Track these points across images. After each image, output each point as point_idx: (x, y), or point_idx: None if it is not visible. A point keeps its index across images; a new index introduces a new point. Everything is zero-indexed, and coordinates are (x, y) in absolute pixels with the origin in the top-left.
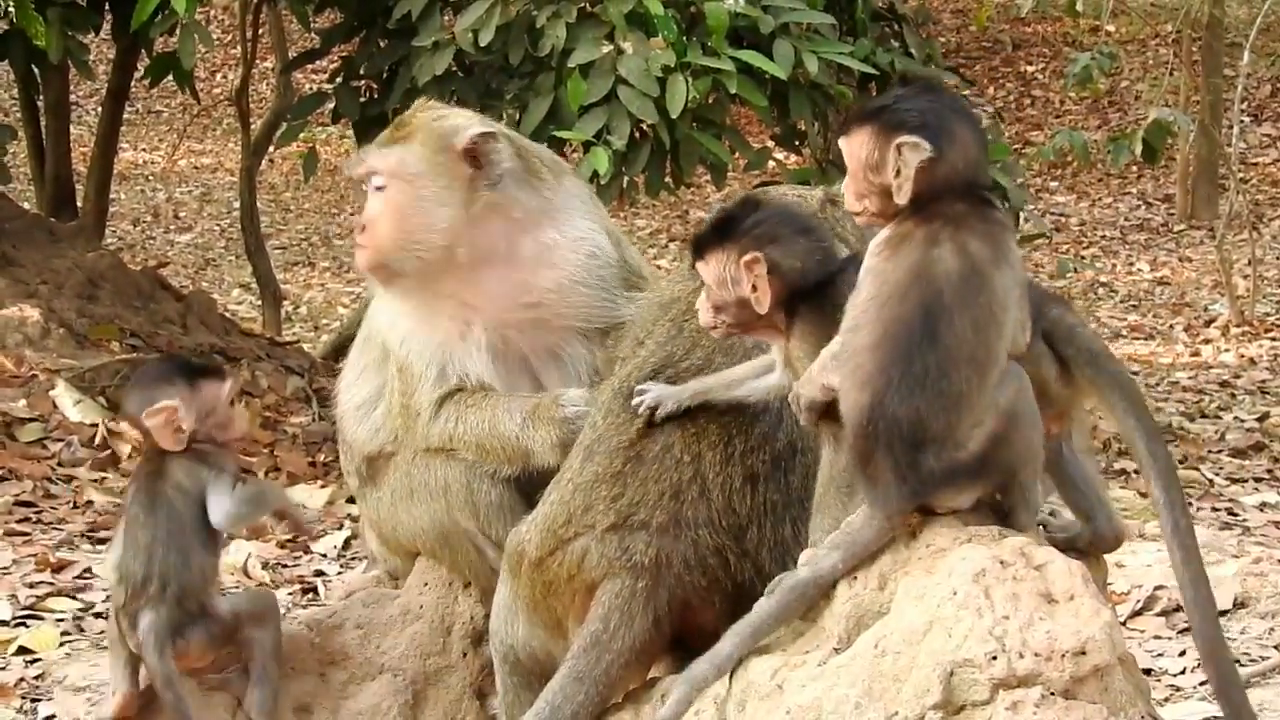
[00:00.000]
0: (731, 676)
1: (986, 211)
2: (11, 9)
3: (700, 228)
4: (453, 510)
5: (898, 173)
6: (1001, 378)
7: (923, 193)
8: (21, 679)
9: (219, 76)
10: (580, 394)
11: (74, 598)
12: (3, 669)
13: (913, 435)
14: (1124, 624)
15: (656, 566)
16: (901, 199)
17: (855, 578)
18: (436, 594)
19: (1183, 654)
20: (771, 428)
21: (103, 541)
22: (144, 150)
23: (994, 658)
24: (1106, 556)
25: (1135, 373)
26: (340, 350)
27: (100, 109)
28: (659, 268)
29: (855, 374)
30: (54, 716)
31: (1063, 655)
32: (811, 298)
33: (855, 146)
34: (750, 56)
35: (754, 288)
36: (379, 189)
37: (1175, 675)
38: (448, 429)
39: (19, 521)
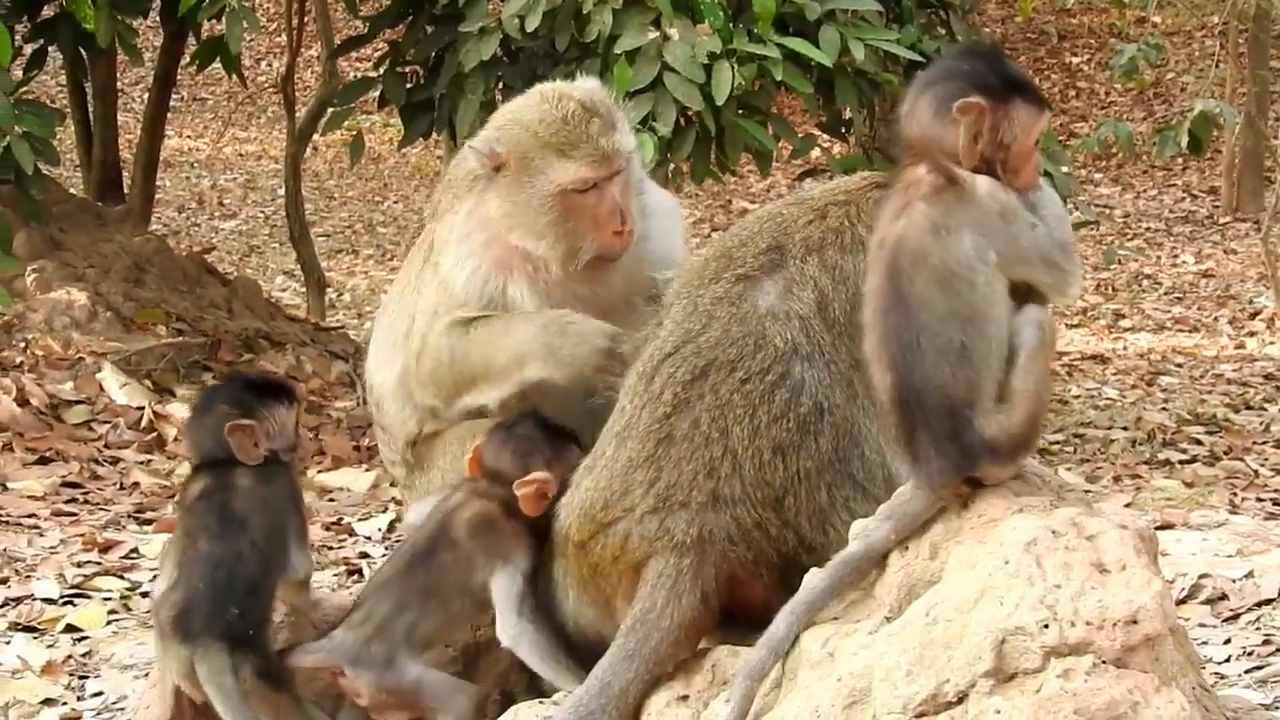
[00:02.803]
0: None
1: (944, 183)
2: None
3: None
4: None
5: None
6: (1029, 358)
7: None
8: (69, 656)
9: (263, 64)
10: (614, 332)
11: (121, 577)
12: (51, 646)
13: (942, 405)
14: None
15: (700, 544)
16: None
17: (907, 547)
18: None
19: (1227, 642)
20: (794, 391)
21: (148, 522)
22: (189, 137)
23: (1046, 626)
24: None
25: (1179, 365)
26: None
27: (146, 95)
28: None
29: (875, 360)
30: (101, 693)
31: (1114, 624)
32: None
33: None
34: (796, 43)
35: None
36: (617, 173)
37: (1220, 663)
38: (457, 349)
39: (66, 502)
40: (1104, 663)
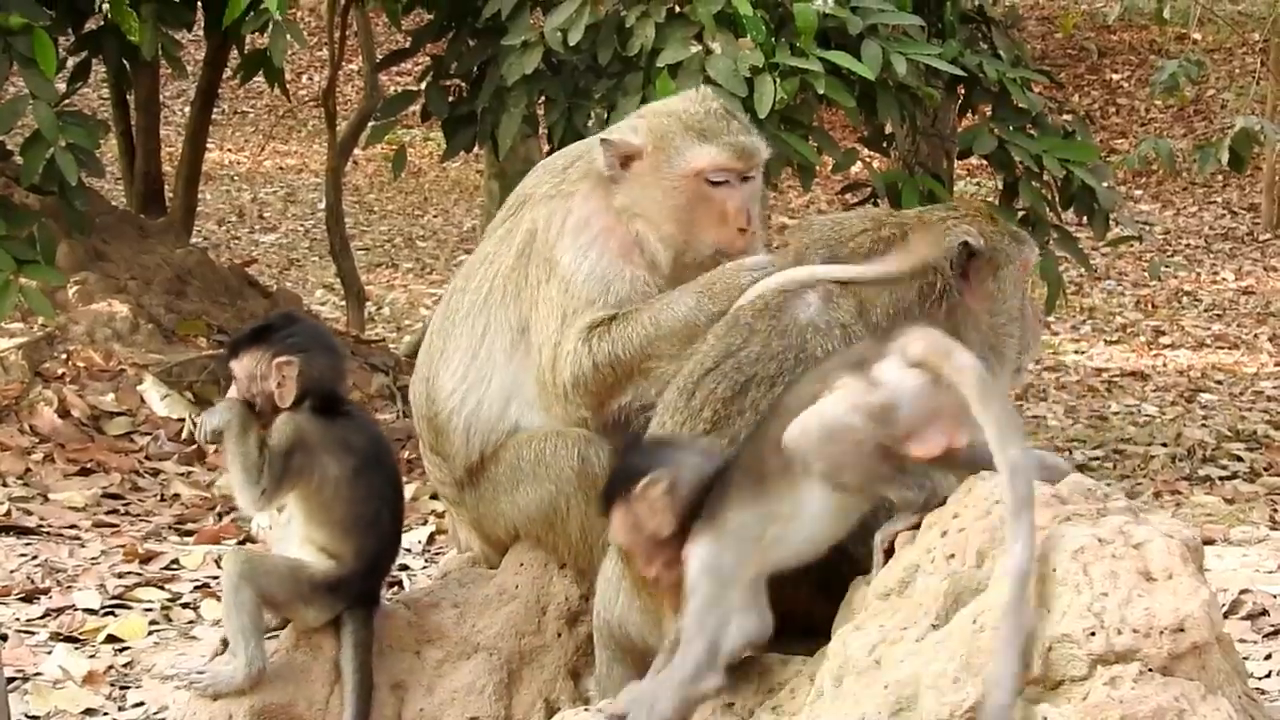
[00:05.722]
0: (828, 652)
1: None
2: (106, 5)
3: (238, 333)
4: (563, 489)
5: None
6: None
7: None
8: (110, 666)
9: (304, 78)
10: (763, 258)
11: (162, 588)
12: (92, 657)
13: None
14: None
15: None
16: None
17: (953, 555)
18: (532, 574)
19: (1268, 657)
20: None
21: (190, 533)
22: (230, 151)
23: (1092, 634)
24: None
25: (1219, 382)
26: None
27: (188, 109)
28: None
29: None
30: (142, 704)
31: (1161, 632)
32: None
33: None
34: (838, 57)
35: (280, 385)
36: (748, 179)
37: (1260, 679)
38: (600, 354)
39: (107, 513)
40: (1151, 671)
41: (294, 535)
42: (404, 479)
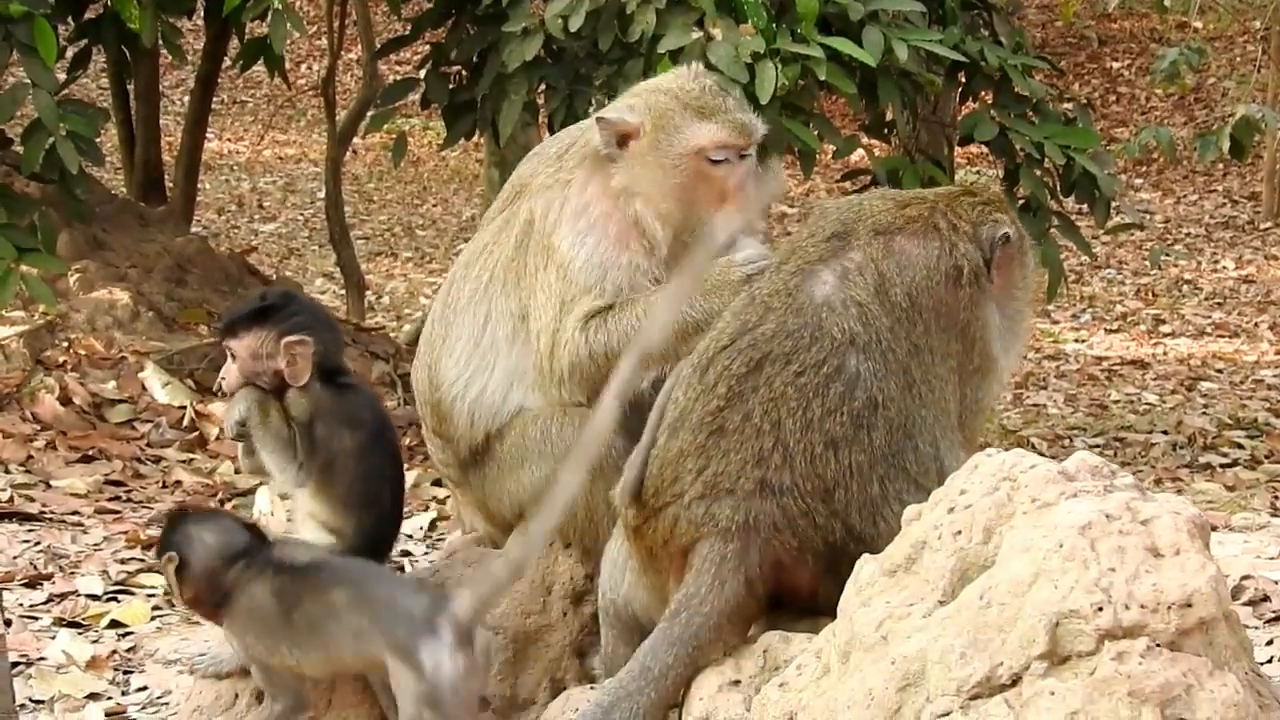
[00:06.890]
0: (835, 629)
1: None
2: None
3: (235, 311)
4: None
5: None
6: None
7: None
8: (114, 651)
9: (304, 67)
10: (755, 251)
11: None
12: (95, 642)
13: None
14: None
15: (744, 530)
16: None
17: (959, 531)
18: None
19: (1270, 643)
20: (849, 385)
21: None
22: (229, 140)
23: (1100, 609)
24: None
25: (1219, 370)
26: None
27: (188, 97)
28: None
29: None
30: (146, 688)
31: (1168, 607)
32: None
33: None
34: (839, 43)
35: (290, 364)
36: (745, 156)
37: (1263, 664)
38: (596, 344)
39: (109, 500)
40: (1158, 646)
41: (297, 511)
42: (405, 465)
